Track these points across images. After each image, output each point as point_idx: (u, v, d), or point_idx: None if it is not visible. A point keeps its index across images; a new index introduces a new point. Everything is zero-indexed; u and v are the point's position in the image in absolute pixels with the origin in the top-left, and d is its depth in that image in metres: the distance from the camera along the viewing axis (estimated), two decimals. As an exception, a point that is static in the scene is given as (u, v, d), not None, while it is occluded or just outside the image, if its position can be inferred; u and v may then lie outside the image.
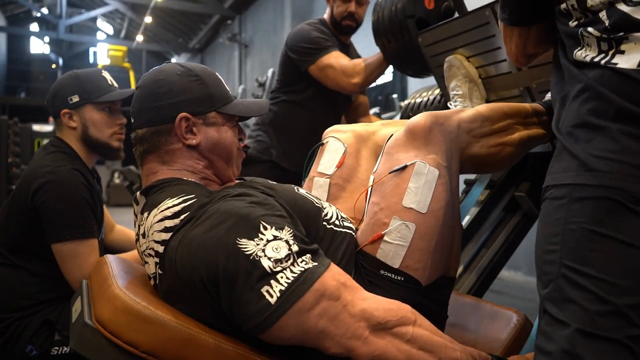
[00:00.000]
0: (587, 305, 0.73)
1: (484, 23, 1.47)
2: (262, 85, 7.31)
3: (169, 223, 0.91)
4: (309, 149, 1.40)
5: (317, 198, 1.10)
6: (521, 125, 1.22)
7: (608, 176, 0.74)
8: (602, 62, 0.78)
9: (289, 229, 0.86)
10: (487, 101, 1.60)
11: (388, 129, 1.34)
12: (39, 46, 20.86)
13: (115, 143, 1.64)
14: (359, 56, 2.36)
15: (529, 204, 1.67)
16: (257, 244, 0.82)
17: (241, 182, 1.08)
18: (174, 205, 0.92)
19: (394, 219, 1.00)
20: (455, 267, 1.11)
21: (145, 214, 0.97)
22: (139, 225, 1.00)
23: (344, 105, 2.39)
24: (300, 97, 2.26)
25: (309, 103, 2.26)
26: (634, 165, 0.73)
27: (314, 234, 1.00)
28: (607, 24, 0.77)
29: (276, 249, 0.82)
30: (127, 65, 14.24)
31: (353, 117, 2.48)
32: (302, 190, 1.10)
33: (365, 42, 2.87)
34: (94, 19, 19.17)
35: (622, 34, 0.76)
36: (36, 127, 7.76)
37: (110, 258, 1.06)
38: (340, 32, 2.28)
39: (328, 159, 1.31)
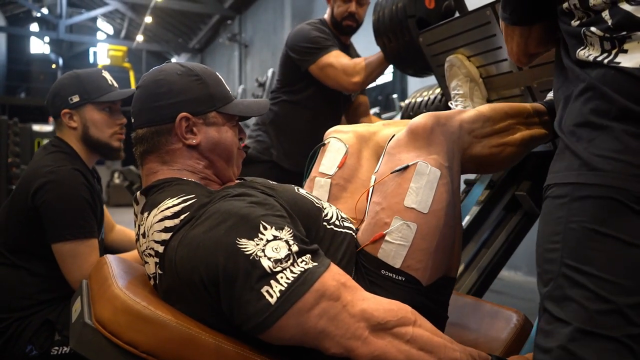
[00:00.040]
0: (588, 304, 0.73)
1: (484, 22, 1.47)
2: (262, 85, 7.31)
3: (169, 223, 0.91)
4: (309, 149, 1.40)
5: (317, 198, 1.10)
6: (523, 125, 1.22)
7: (610, 176, 0.74)
8: (605, 61, 0.78)
9: (288, 229, 0.86)
10: (488, 101, 1.60)
11: (389, 129, 1.34)
12: (39, 46, 20.87)
13: (115, 143, 1.63)
14: (358, 56, 2.35)
15: (529, 203, 1.67)
16: (257, 244, 0.82)
17: (241, 182, 1.08)
18: (174, 205, 0.92)
19: (396, 219, 1.00)
20: (456, 268, 1.11)
21: (145, 214, 0.97)
22: (139, 225, 1.00)
23: (344, 105, 2.38)
24: (301, 96, 2.26)
25: (309, 103, 2.26)
26: (636, 165, 0.73)
27: (314, 234, 1.00)
28: (610, 23, 0.77)
29: (276, 249, 0.82)
30: (127, 65, 14.25)
31: (353, 117, 2.48)
32: (302, 191, 1.10)
33: (365, 42, 2.87)
34: (94, 19, 19.17)
35: (625, 33, 0.76)
36: (36, 127, 7.76)
37: (110, 258, 1.05)
38: (340, 33, 2.27)
39: (329, 159, 1.31)
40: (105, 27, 20.46)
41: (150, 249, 0.93)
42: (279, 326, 0.80)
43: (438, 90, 2.05)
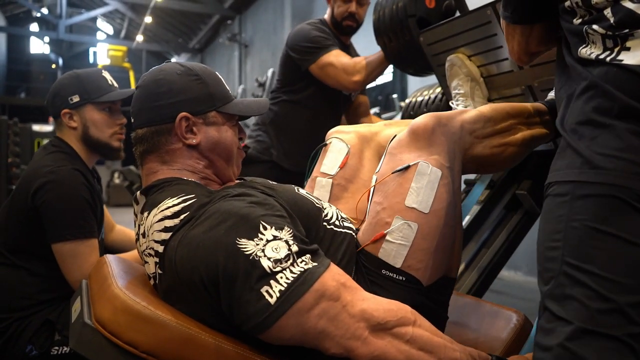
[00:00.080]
0: (588, 302, 0.73)
1: (485, 22, 1.47)
2: (262, 85, 7.32)
3: (168, 223, 0.91)
4: (309, 149, 1.40)
5: (317, 198, 1.10)
6: (524, 125, 1.22)
7: (613, 174, 0.74)
8: (608, 59, 0.77)
9: (288, 229, 0.86)
10: (489, 100, 1.60)
11: (391, 129, 1.34)
12: (39, 46, 20.88)
13: (115, 143, 1.63)
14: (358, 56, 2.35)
15: (530, 202, 1.67)
16: (257, 244, 0.82)
17: (241, 182, 1.08)
18: (173, 205, 0.92)
19: (397, 219, 1.00)
20: (456, 268, 1.11)
21: (145, 214, 0.97)
22: (139, 225, 1.00)
23: (344, 104, 2.38)
24: (301, 96, 2.25)
25: (310, 102, 2.25)
26: (638, 163, 0.73)
27: (314, 234, 1.00)
28: (612, 21, 0.77)
29: (276, 249, 0.82)
30: (127, 65, 14.24)
31: (353, 116, 2.47)
32: (302, 191, 1.10)
33: (365, 42, 2.87)
34: (94, 19, 19.18)
35: (627, 30, 0.76)
36: (36, 127, 7.76)
37: (110, 258, 1.05)
38: (340, 33, 2.27)
39: (331, 159, 1.31)
40: (105, 27, 20.46)
41: (150, 248, 0.93)
42: (279, 326, 0.80)
43: (439, 89, 2.05)
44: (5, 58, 19.24)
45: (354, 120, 2.46)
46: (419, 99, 2.15)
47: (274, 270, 0.80)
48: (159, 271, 0.92)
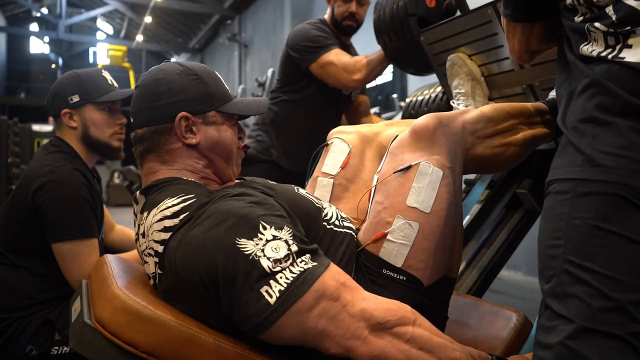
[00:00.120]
0: (590, 300, 0.73)
1: (486, 21, 1.47)
2: (262, 85, 7.31)
3: (168, 223, 0.90)
4: (310, 149, 1.40)
5: (317, 198, 1.10)
6: (525, 125, 1.22)
7: (614, 172, 0.74)
8: (609, 56, 0.77)
9: (288, 229, 0.86)
10: (490, 99, 1.60)
11: (392, 129, 1.34)
12: (38, 46, 20.88)
13: (115, 143, 1.63)
14: (358, 56, 2.35)
15: (531, 201, 1.66)
16: (257, 244, 0.82)
17: (241, 182, 1.08)
18: (173, 205, 0.92)
19: (398, 218, 1.00)
20: (457, 268, 1.11)
21: (145, 214, 0.96)
22: (138, 225, 1.00)
23: (345, 104, 2.38)
24: (301, 96, 2.25)
25: (310, 102, 2.25)
26: None
27: (313, 234, 1.00)
28: (614, 19, 0.77)
29: (275, 249, 0.82)
30: (126, 65, 14.24)
31: (353, 116, 2.47)
32: (302, 191, 1.10)
33: (365, 42, 2.87)
34: (94, 19, 19.18)
35: (629, 28, 0.76)
36: (36, 127, 7.75)
37: (110, 258, 1.05)
38: (340, 32, 2.27)
39: (332, 159, 1.31)
40: (105, 27, 20.46)
41: (149, 248, 0.93)
42: (279, 326, 0.79)
43: (439, 88, 2.04)
44: (5, 58, 19.25)
45: (354, 120, 2.46)
46: (420, 98, 2.15)
47: (273, 270, 0.80)
48: (159, 271, 0.91)
